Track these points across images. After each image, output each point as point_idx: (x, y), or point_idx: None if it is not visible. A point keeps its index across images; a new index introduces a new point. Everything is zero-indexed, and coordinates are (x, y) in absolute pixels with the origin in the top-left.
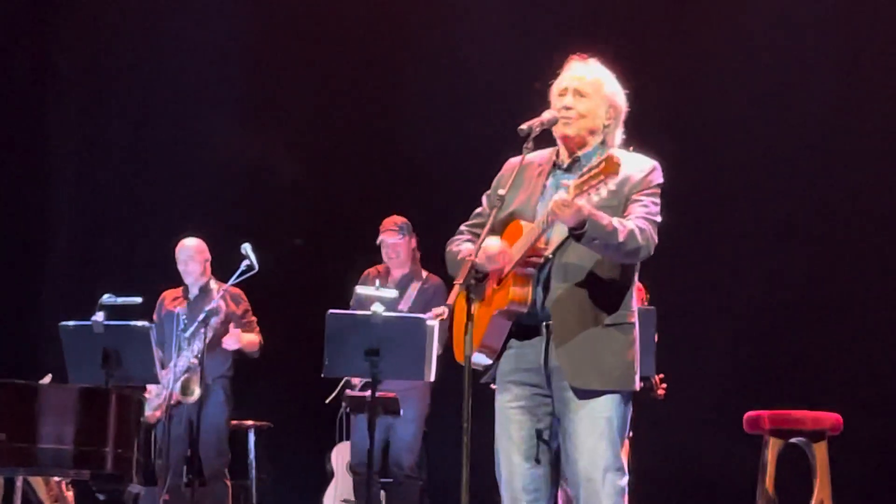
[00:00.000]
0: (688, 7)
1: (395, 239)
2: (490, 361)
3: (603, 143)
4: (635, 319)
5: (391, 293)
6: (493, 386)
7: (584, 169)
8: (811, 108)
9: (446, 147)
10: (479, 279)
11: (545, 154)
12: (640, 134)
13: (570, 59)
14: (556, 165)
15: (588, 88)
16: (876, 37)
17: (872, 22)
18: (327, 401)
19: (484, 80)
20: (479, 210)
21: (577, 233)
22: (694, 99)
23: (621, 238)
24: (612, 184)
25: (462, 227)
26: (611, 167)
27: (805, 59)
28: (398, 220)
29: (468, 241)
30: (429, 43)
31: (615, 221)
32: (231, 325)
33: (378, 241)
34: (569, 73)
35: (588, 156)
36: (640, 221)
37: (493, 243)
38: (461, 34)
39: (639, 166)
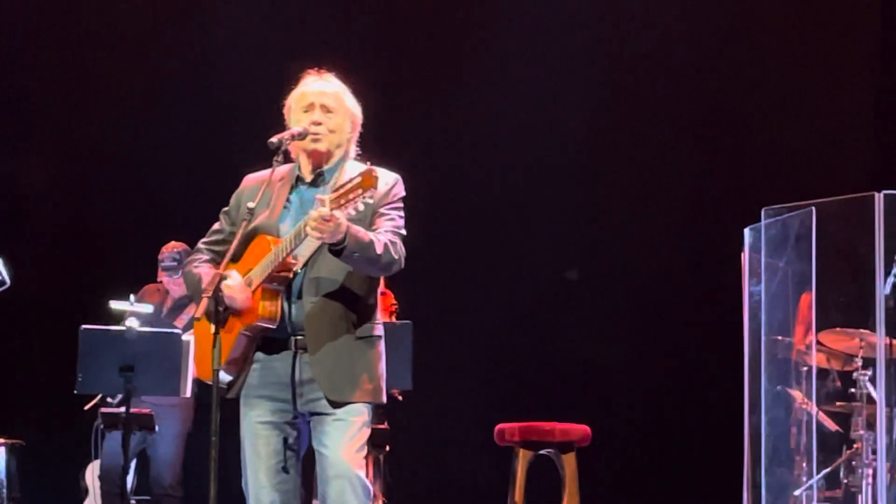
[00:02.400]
0: (440, 15)
1: (169, 276)
2: (231, 378)
3: (343, 157)
4: (382, 333)
5: (146, 308)
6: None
7: (342, 183)
8: (564, 122)
9: (202, 159)
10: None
11: (284, 168)
12: (384, 146)
13: (305, 74)
14: (299, 179)
15: (333, 103)
16: (630, 47)
17: (627, 32)
18: (86, 407)
19: (239, 93)
20: (216, 227)
21: (338, 248)
22: (442, 111)
23: (379, 251)
24: (368, 197)
25: (200, 245)
26: (370, 181)
27: (558, 70)
28: (176, 247)
29: (207, 261)
30: (185, 53)
31: (371, 235)
32: None
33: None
34: (310, 89)
35: (331, 170)
36: (390, 235)
37: (234, 283)
38: (215, 43)
39: (383, 179)
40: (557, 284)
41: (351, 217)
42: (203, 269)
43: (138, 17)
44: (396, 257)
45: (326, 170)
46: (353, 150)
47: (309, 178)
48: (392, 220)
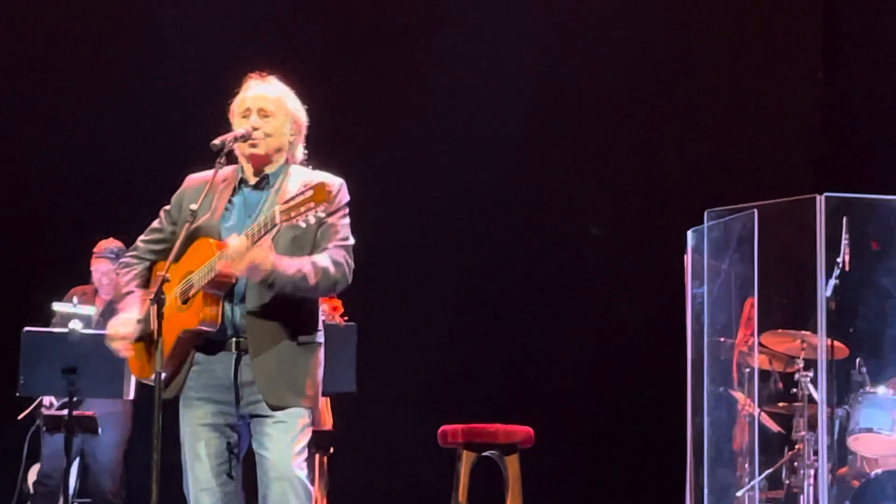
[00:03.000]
0: (381, 23)
1: (105, 267)
2: (167, 376)
3: (287, 160)
4: (322, 339)
5: (89, 310)
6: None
7: (293, 195)
8: (507, 125)
9: (145, 159)
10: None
11: (227, 171)
12: (331, 148)
13: (248, 78)
14: (242, 182)
15: (272, 107)
16: (575, 49)
17: (572, 34)
18: (20, 416)
19: (183, 93)
20: (155, 225)
21: (267, 283)
22: (389, 112)
23: (312, 282)
24: (321, 212)
25: (139, 243)
26: (322, 196)
27: (501, 72)
28: (114, 243)
29: (145, 268)
30: (129, 51)
31: (304, 265)
32: None
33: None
34: (250, 93)
35: (276, 174)
36: (333, 253)
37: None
38: (160, 43)
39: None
40: (501, 286)
41: (299, 229)
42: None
43: (79, 10)
44: (339, 276)
45: (270, 174)
46: (300, 153)
47: (252, 180)
48: (337, 231)
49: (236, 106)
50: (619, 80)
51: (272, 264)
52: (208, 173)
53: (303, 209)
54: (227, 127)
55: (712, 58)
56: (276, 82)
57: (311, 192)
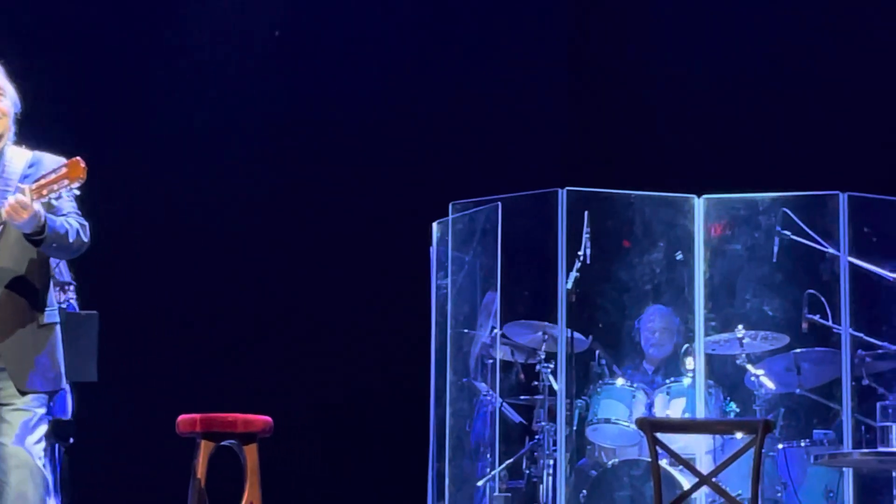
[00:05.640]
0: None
1: None
2: None
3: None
4: (58, 319)
5: None
6: None
7: (46, 172)
8: (251, 115)
9: None
10: None
11: None
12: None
13: None
14: None
15: (4, 85)
16: (323, 39)
17: (320, 26)
18: None
19: None
20: None
21: (38, 238)
22: (126, 96)
23: (72, 238)
24: (75, 188)
25: None
26: (77, 172)
27: (246, 61)
28: None
29: None
30: None
31: (65, 224)
32: None
33: None
34: None
35: (1, 154)
36: (76, 219)
37: None
38: None
39: (53, 164)
40: (244, 276)
41: (49, 203)
42: None
43: None
44: (87, 240)
45: None
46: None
47: None
48: (72, 203)
49: None
50: (364, 73)
51: (46, 217)
52: None
53: (56, 186)
54: None
55: (460, 50)
56: None
57: (65, 169)
